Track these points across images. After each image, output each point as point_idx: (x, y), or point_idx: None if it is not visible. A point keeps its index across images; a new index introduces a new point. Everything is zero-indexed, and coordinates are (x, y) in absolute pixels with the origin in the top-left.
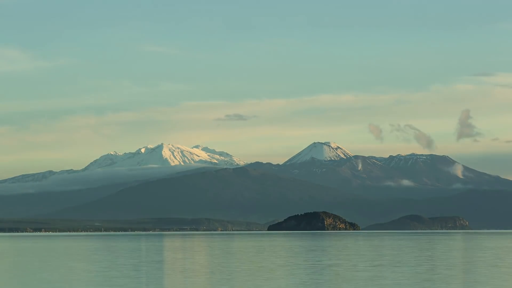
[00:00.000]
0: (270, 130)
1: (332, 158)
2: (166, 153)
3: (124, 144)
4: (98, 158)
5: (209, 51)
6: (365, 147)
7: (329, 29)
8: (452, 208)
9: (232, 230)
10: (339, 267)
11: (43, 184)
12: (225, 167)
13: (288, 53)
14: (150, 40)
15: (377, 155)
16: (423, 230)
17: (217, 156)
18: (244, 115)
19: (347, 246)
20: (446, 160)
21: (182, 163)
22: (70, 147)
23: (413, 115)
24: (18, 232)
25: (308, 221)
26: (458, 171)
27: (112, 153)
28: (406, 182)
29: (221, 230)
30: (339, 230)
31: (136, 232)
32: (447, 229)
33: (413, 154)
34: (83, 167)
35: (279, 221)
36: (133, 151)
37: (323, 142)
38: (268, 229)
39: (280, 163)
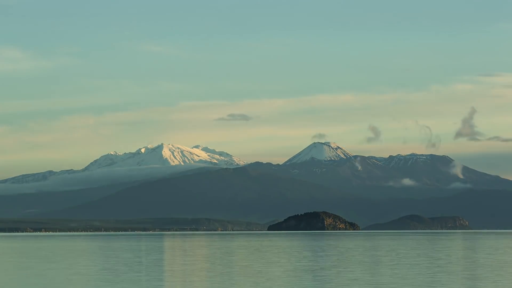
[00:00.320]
0: (270, 130)
1: (332, 158)
2: (166, 153)
3: (124, 144)
4: (98, 158)
5: (209, 51)
6: (365, 147)
7: (329, 29)
8: (452, 208)
9: (232, 230)
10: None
11: (43, 184)
12: (225, 167)
13: (288, 53)
14: (150, 40)
15: (377, 155)
16: (423, 230)
17: (217, 156)
18: (244, 115)
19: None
20: (446, 160)
21: (182, 163)
22: (70, 147)
23: (413, 115)
24: (18, 232)
25: (308, 221)
26: (458, 171)
27: (112, 153)
28: (406, 182)
29: (221, 230)
30: (339, 230)
31: (136, 232)
32: (447, 229)
33: (413, 154)
34: (83, 167)
35: (279, 221)
36: (133, 151)
37: (323, 142)
38: (268, 229)
39: (280, 163)
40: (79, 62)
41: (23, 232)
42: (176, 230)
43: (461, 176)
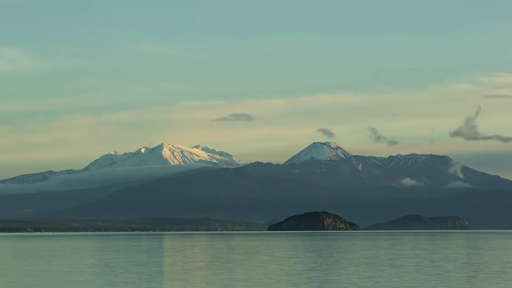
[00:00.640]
0: (270, 130)
1: (332, 158)
2: (166, 153)
3: (124, 144)
4: (98, 158)
5: (209, 51)
6: (365, 147)
7: (329, 29)
8: (452, 208)
9: (232, 230)
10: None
11: (43, 184)
12: (225, 167)
13: (288, 53)
14: (150, 40)
15: (377, 155)
16: (423, 230)
17: (217, 156)
18: (244, 115)
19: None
20: (446, 160)
21: (182, 163)
22: (70, 147)
23: (413, 115)
24: (18, 232)
25: (308, 221)
26: (458, 171)
27: (112, 153)
28: (406, 182)
29: (221, 230)
30: (339, 230)
31: (136, 232)
32: (447, 229)
33: (413, 154)
34: (83, 167)
35: (279, 221)
36: (133, 151)
37: (323, 142)
38: (268, 229)
39: (280, 163)
40: (79, 62)
41: (23, 232)
42: (176, 230)
43: (461, 176)
